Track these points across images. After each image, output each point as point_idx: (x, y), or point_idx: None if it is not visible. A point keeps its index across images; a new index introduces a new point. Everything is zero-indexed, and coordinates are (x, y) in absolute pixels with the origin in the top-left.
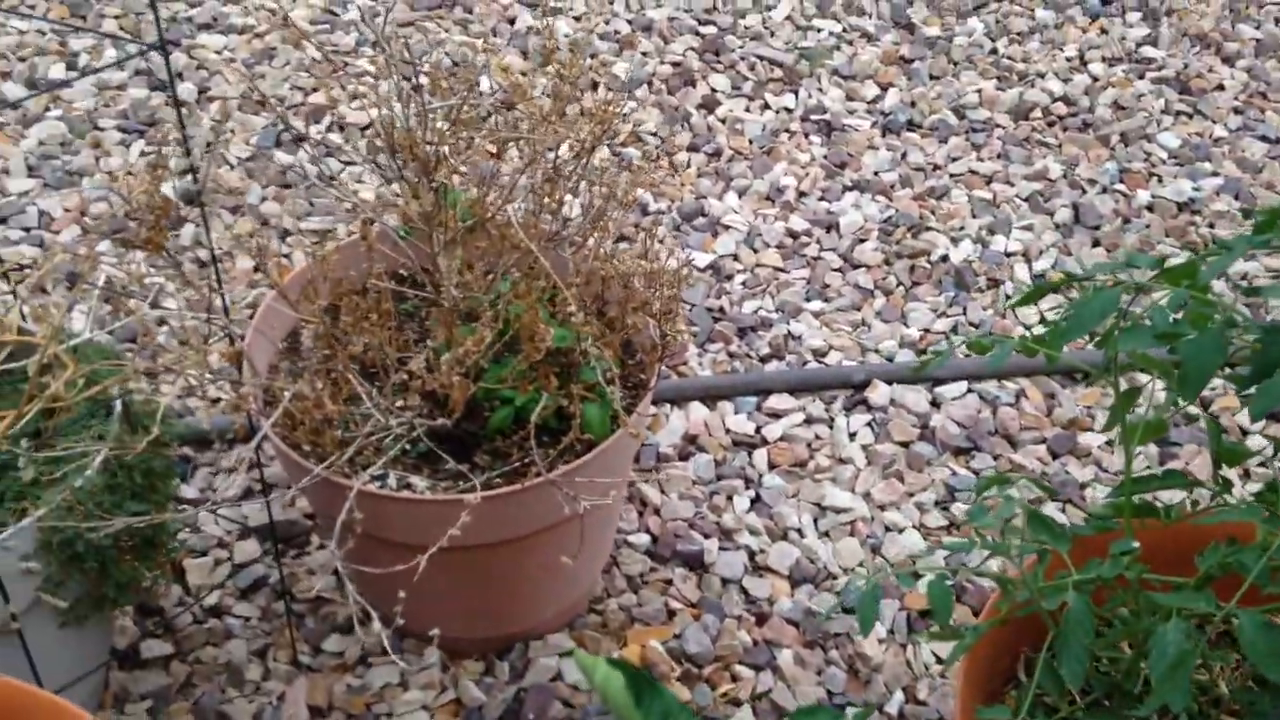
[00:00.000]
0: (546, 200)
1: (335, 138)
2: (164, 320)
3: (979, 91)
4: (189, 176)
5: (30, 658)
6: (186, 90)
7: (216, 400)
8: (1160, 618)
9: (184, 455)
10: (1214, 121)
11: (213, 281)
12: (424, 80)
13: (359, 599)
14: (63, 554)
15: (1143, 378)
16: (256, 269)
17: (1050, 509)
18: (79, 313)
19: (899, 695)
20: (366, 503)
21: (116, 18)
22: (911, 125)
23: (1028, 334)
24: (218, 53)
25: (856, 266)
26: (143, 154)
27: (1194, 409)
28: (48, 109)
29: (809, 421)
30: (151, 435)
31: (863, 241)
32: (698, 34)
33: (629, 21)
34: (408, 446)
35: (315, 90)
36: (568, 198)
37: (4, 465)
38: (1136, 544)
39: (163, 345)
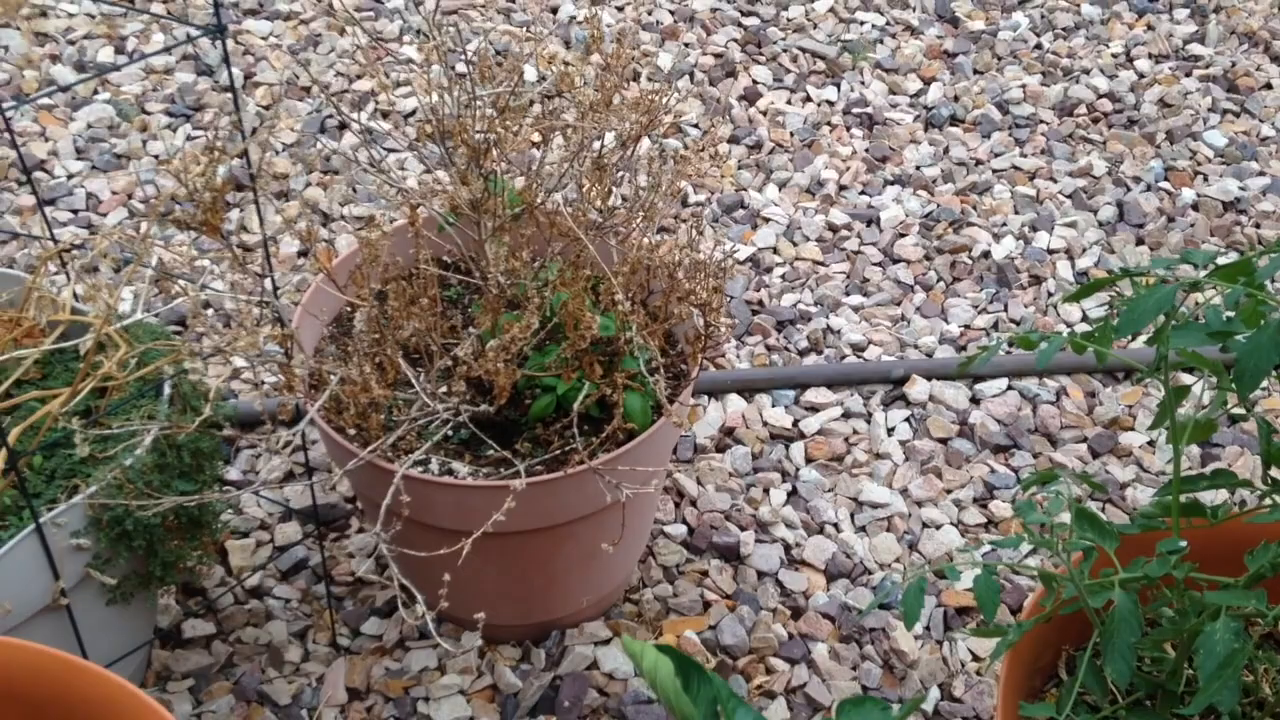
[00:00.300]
0: (594, 190)
1: (380, 124)
2: (209, 303)
3: (1023, 87)
4: (236, 161)
5: (78, 632)
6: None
7: (260, 383)
8: (1208, 617)
9: (227, 437)
10: (1261, 120)
11: (262, 265)
12: (470, 68)
13: (404, 582)
14: (112, 531)
15: (1185, 377)
16: (301, 254)
17: (1090, 508)
18: (128, 294)
19: (935, 691)
20: (412, 487)
21: (164, 1)
22: (954, 120)
23: (1074, 331)
24: (264, 39)
25: (897, 261)
26: (189, 138)
27: (1241, 409)
28: (96, 92)
29: (847, 416)
30: (204, 416)
31: (903, 236)
32: (740, 25)
33: (671, 12)
34: (449, 433)
35: (360, 77)
36: (611, 188)
37: (55, 443)
38: (1184, 543)
39: (213, 326)
